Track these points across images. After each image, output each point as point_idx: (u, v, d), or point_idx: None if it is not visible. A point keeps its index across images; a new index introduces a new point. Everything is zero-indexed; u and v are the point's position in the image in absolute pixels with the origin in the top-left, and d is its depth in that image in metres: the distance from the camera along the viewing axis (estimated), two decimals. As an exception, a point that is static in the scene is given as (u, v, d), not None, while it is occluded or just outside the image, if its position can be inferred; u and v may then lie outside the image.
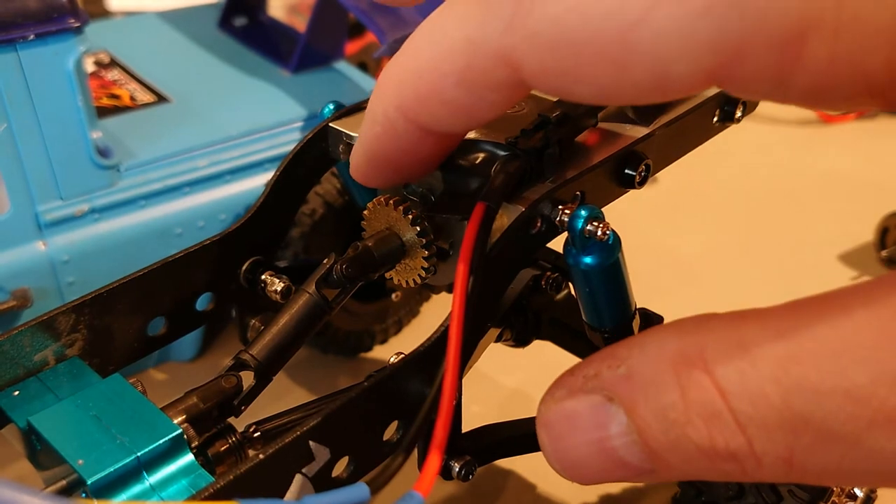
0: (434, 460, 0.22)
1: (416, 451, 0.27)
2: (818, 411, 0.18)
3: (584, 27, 0.19)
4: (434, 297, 0.51)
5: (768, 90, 0.19)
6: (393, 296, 0.48)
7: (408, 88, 0.24)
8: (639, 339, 0.22)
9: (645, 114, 0.32)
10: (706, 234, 0.62)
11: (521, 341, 0.39)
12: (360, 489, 0.21)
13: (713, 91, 0.34)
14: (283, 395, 0.33)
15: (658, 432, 0.21)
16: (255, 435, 0.29)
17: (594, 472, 0.22)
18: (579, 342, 0.38)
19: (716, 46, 0.18)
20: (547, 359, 0.40)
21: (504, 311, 0.35)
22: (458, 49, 0.22)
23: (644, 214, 0.62)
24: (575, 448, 0.22)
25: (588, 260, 0.28)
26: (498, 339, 0.38)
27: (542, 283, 0.37)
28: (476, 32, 0.21)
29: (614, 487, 0.42)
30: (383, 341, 0.50)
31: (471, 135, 0.31)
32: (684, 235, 0.61)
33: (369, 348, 0.50)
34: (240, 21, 0.60)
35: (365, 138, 0.26)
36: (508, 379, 0.47)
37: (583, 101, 0.21)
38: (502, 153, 0.29)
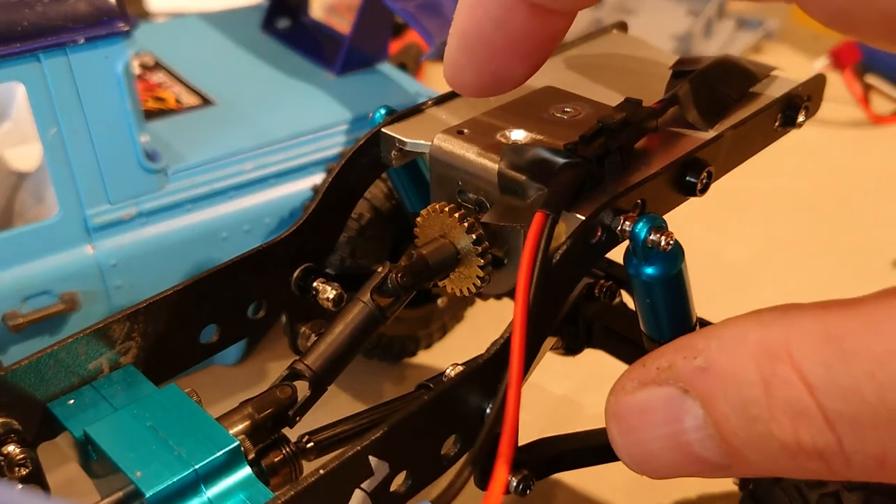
0: (501, 476, 0.22)
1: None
2: None
3: None
4: (479, 301, 0.51)
5: None
6: (439, 301, 0.47)
7: None
8: (716, 330, 0.21)
9: (707, 118, 0.31)
10: (754, 237, 0.61)
11: (572, 350, 0.38)
12: (425, 508, 0.20)
13: (776, 94, 0.33)
14: (328, 401, 0.33)
15: (738, 428, 0.20)
16: (309, 446, 0.29)
17: (666, 467, 0.21)
18: (633, 351, 0.37)
19: None
20: (595, 366, 0.39)
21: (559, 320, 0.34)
22: None
23: (690, 217, 0.60)
24: (647, 441, 0.22)
25: (650, 271, 0.27)
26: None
27: (596, 291, 0.36)
28: None
29: (673, 486, 0.41)
30: (428, 346, 0.50)
31: (528, 140, 0.30)
32: (731, 239, 0.60)
33: (413, 353, 0.49)
34: (283, 23, 0.60)
35: (458, 18, 0.24)
36: (556, 387, 0.47)
37: None
38: (561, 160, 0.28)
